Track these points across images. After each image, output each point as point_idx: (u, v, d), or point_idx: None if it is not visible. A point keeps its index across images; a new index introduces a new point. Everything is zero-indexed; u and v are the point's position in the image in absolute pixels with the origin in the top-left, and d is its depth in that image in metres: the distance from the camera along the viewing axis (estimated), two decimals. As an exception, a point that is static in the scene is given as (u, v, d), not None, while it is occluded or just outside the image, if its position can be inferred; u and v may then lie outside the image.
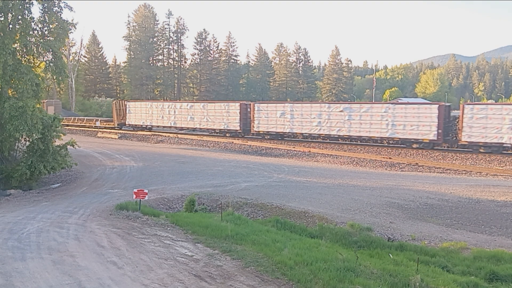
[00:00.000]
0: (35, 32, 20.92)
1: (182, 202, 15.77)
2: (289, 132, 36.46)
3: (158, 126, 46.48)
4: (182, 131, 44.54)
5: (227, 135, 40.22)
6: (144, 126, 47.22)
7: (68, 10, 21.47)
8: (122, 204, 13.76)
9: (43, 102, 52.40)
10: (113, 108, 50.45)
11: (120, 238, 10.36)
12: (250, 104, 40.17)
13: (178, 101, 56.50)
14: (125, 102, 50.63)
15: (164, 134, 43.79)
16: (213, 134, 41.48)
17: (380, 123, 31.60)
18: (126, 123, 48.57)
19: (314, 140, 36.05)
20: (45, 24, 20.89)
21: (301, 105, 36.45)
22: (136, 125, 47.91)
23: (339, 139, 34.62)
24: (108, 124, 51.23)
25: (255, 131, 38.63)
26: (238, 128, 39.46)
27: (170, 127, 45.05)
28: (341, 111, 33.19)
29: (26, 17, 20.22)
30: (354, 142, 33.75)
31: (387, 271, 7.97)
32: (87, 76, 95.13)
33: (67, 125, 51.28)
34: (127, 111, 48.42)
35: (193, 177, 21.16)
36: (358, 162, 28.29)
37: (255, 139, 38.46)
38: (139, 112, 47.72)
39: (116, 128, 49.85)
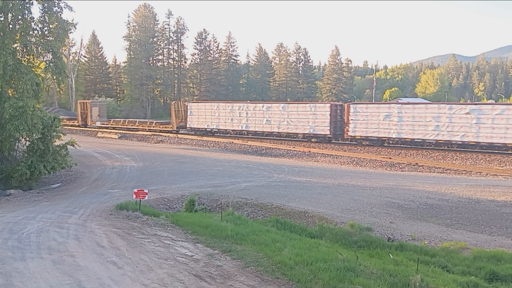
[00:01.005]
0: (35, 32, 20.93)
1: (182, 202, 15.77)
2: (395, 138, 31.81)
3: (225, 130, 41.47)
4: (253, 136, 39.37)
5: (312, 140, 35.59)
6: (209, 129, 42.30)
7: (68, 10, 21.51)
8: (122, 204, 13.76)
9: (87, 103, 52.31)
10: (172, 109, 45.77)
11: (120, 238, 10.36)
12: (343, 105, 36.24)
13: (251, 101, 49.18)
14: (186, 103, 46.31)
15: (164, 134, 43.72)
16: (295, 139, 36.67)
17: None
18: (187, 126, 43.93)
19: (427, 147, 31.17)
20: (45, 24, 20.89)
21: (413, 106, 31.81)
22: (198, 128, 43.07)
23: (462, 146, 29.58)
24: (166, 127, 46.83)
25: (350, 135, 34.01)
26: (327, 132, 34.72)
27: (240, 131, 39.99)
28: (467, 113, 28.83)
29: (26, 17, 20.24)
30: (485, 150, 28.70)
31: (387, 271, 7.97)
32: (87, 76, 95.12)
33: (117, 128, 48.76)
34: (188, 113, 43.78)
35: (193, 177, 21.16)
36: (358, 162, 28.29)
37: (255, 139, 38.42)
38: (203, 114, 42.60)
39: (173, 132, 45.17)
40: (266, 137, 38.41)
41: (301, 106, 37.04)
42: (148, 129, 47.80)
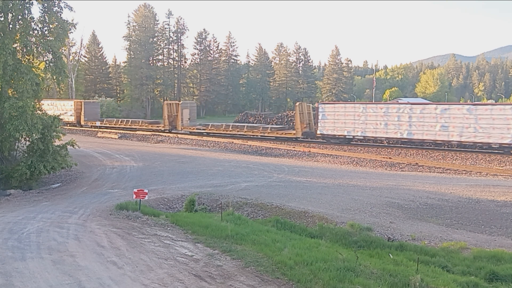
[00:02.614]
0: (35, 32, 20.91)
1: (182, 202, 15.77)
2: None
3: (375, 138, 33.57)
4: (416, 146, 32.11)
5: None
6: (350, 137, 34.12)
7: (68, 10, 21.50)
8: (122, 204, 13.76)
9: (178, 104, 45.30)
10: (296, 112, 37.22)
11: (120, 238, 10.36)
12: None
13: (417, 103, 38.87)
14: (317, 104, 38.42)
15: (164, 134, 43.62)
16: (486, 150, 29.05)
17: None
18: (318, 132, 35.68)
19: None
20: (45, 24, 20.89)
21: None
22: (334, 135, 34.76)
23: None
24: (286, 134, 38.27)
25: None
26: None
27: (399, 139, 31.86)
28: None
29: (26, 17, 20.23)
30: None
31: (387, 271, 7.97)
32: (87, 76, 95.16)
33: (223, 135, 40.87)
34: (319, 117, 35.56)
35: (193, 177, 21.15)
36: (358, 162, 28.29)
37: (255, 139, 38.37)
38: (341, 118, 34.40)
39: (298, 140, 36.90)
40: (438, 148, 31.32)
41: (498, 108, 28.54)
42: (261, 136, 39.20)
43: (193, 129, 44.25)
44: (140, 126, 48.58)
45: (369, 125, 32.97)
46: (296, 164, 27.04)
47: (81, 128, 51.59)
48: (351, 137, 34.19)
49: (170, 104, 46.34)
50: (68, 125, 51.39)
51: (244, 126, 42.31)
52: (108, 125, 50.90)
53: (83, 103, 53.79)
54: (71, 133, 42.15)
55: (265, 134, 39.17)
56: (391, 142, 33.51)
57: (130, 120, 52.20)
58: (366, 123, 33.15)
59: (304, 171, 23.47)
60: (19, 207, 15.63)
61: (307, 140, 37.04)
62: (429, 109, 30.70)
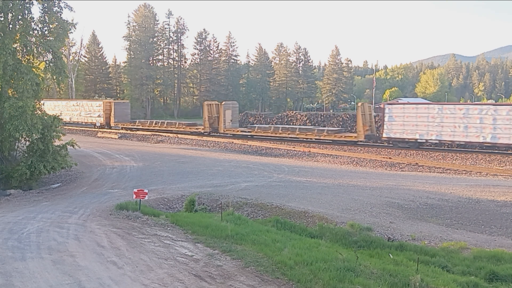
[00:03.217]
0: (35, 32, 20.92)
1: (182, 202, 15.77)
2: None
3: (452, 142, 30.29)
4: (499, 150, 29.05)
5: None
6: (422, 140, 30.92)
7: (68, 10, 21.51)
8: (122, 204, 13.76)
9: (220, 105, 42.22)
10: (358, 113, 34.23)
11: (120, 238, 10.36)
12: None
13: (502, 103, 34.37)
14: (383, 104, 35.88)
15: (164, 134, 43.57)
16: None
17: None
18: (384, 135, 32.52)
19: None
20: (45, 24, 20.89)
21: None
22: (403, 139, 31.68)
23: None
24: (345, 137, 35.08)
25: None
26: None
27: (482, 143, 28.79)
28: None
29: (26, 17, 20.23)
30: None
31: (387, 271, 7.97)
32: (87, 76, 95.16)
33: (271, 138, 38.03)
34: (385, 118, 32.44)
35: (193, 177, 21.16)
36: (358, 162, 28.29)
37: (255, 139, 38.35)
38: (413, 120, 31.19)
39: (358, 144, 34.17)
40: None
41: None
42: (316, 139, 35.94)
43: (237, 131, 40.77)
44: (177, 128, 45.22)
45: (446, 128, 29.96)
46: (296, 164, 27.04)
47: (81, 128, 51.49)
48: (424, 140, 31.06)
49: (210, 104, 42.80)
50: (95, 127, 50.39)
51: (296, 128, 39.00)
52: (141, 127, 47.91)
53: (113, 103, 50.75)
54: (71, 133, 42.15)
55: (321, 137, 35.86)
56: (471, 147, 30.47)
57: (166, 121, 48.82)
58: (442, 125, 30.10)
59: (304, 171, 23.47)
60: (19, 207, 15.63)
61: (369, 144, 34.06)
62: None
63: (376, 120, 36.88)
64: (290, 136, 37.94)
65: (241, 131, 40.78)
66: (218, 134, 41.43)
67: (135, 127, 48.48)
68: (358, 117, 34.21)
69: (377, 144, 33.69)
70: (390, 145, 32.49)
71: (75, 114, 52.93)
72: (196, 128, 44.15)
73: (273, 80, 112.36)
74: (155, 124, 47.87)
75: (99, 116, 50.25)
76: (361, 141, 33.95)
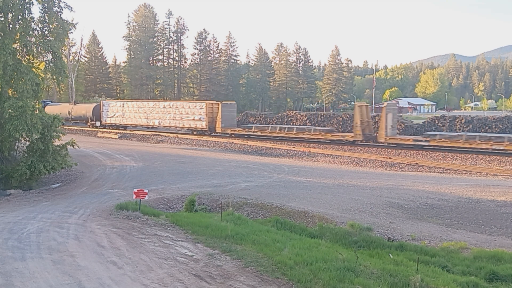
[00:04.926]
0: (35, 32, 20.92)
1: (182, 202, 15.77)
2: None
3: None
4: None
5: None
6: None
7: (68, 10, 21.48)
8: (122, 204, 13.76)
9: (382, 108, 34.02)
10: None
11: (120, 238, 10.36)
12: None
13: None
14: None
15: (164, 134, 43.51)
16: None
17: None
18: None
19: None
20: (45, 24, 20.89)
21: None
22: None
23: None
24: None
25: None
26: None
27: None
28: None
29: (26, 17, 20.23)
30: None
31: (387, 271, 7.97)
32: (87, 76, 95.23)
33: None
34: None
35: (193, 177, 21.15)
36: (358, 162, 28.29)
37: (255, 139, 38.32)
38: None
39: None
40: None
41: None
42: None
43: (409, 140, 31.35)
44: (311, 136, 36.29)
45: None
46: (296, 164, 27.04)
47: (81, 128, 51.16)
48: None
49: (362, 106, 34.61)
50: (194, 132, 42.77)
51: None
52: (260, 133, 39.13)
53: (220, 104, 42.02)
54: (71, 133, 42.15)
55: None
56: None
57: (295, 127, 38.77)
58: None
59: (304, 171, 23.47)
60: (19, 207, 15.63)
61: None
62: None
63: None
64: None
65: (413, 140, 31.56)
66: (376, 143, 33.17)
67: (251, 133, 39.85)
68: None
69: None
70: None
71: (166, 117, 44.87)
72: (342, 136, 35.28)
73: (273, 80, 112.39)
74: (280, 130, 38.56)
75: (200, 119, 42.07)
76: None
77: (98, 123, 51.02)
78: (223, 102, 45.53)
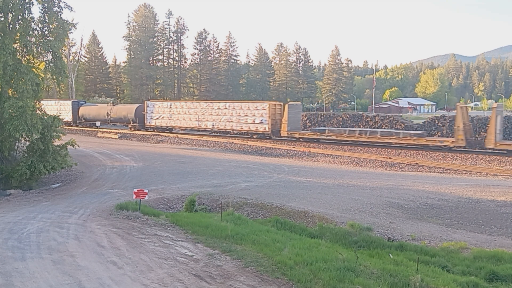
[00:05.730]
0: (35, 32, 20.91)
1: (182, 202, 15.77)
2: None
3: None
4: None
5: None
6: None
7: (68, 10, 21.50)
8: (122, 204, 13.76)
9: (493, 109, 29.03)
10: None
11: (120, 238, 10.36)
12: None
13: None
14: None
15: (164, 134, 43.48)
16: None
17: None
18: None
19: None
20: (45, 24, 20.88)
21: None
22: None
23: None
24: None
25: None
26: None
27: None
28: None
29: (26, 17, 20.23)
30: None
31: (387, 271, 7.97)
32: (87, 76, 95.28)
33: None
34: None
35: (193, 177, 21.15)
36: (358, 162, 28.29)
37: (255, 139, 38.29)
38: None
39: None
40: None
41: None
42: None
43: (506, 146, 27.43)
44: (400, 141, 31.44)
45: None
46: (296, 164, 27.03)
47: (81, 128, 51.11)
48: None
49: (463, 107, 30.59)
50: (254, 136, 38.39)
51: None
52: (335, 138, 34.57)
53: (287, 106, 38.04)
54: (71, 133, 42.14)
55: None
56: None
57: (379, 131, 33.72)
58: None
59: (304, 171, 23.47)
60: (19, 207, 15.63)
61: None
62: None
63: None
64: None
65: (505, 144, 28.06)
66: (483, 149, 28.45)
67: (324, 137, 35.71)
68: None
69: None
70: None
71: (222, 119, 41.14)
72: (440, 141, 30.59)
73: (273, 80, 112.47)
74: (360, 134, 33.60)
75: (261, 122, 38.07)
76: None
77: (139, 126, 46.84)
78: (289, 103, 41.49)
